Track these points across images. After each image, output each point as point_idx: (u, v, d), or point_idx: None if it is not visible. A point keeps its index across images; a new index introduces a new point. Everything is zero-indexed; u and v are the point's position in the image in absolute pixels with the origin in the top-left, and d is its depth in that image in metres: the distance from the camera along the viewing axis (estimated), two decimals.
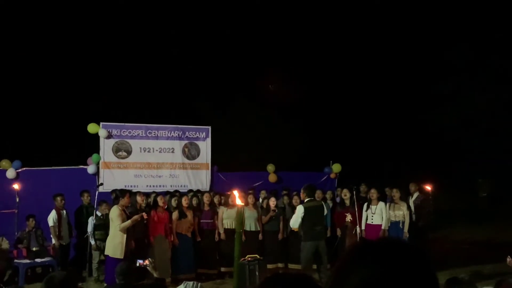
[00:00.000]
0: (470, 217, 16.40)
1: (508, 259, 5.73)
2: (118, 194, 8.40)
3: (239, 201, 6.39)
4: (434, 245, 11.15)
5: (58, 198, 9.65)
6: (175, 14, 21.37)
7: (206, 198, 10.03)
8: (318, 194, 9.92)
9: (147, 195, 9.89)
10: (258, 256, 7.88)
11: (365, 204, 9.74)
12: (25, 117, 17.88)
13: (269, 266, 9.44)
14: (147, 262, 4.74)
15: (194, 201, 9.98)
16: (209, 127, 12.41)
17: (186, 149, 12.09)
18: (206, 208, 9.95)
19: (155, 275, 4.67)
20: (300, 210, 8.30)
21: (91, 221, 9.51)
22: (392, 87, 21.55)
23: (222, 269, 9.67)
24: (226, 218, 9.79)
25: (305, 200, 8.46)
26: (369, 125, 21.61)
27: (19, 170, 10.78)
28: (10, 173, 10.61)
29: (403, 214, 9.47)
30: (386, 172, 16.88)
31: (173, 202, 9.74)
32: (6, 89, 17.88)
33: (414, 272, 0.98)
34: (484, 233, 14.03)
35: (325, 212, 9.03)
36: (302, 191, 8.64)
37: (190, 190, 11.04)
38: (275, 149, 17.90)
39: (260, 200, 10.78)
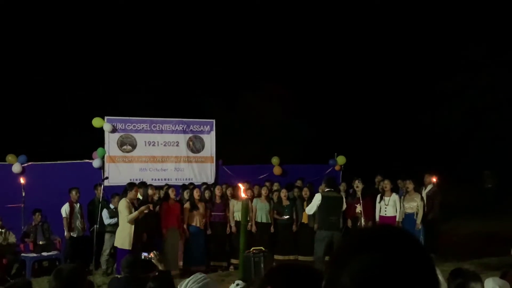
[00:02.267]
0: (476, 209, 16.34)
1: None
2: (127, 187, 8.51)
3: (243, 194, 6.40)
4: (441, 238, 11.14)
5: (73, 192, 9.79)
6: (181, 7, 21.34)
7: (217, 191, 10.07)
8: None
9: (159, 188, 9.96)
10: (263, 248, 7.91)
11: (378, 196, 9.75)
12: (30, 111, 17.94)
13: (280, 258, 9.54)
14: (152, 255, 4.76)
15: (207, 194, 10.03)
16: (213, 121, 12.42)
17: (191, 143, 12.11)
18: (218, 200, 10.00)
19: (160, 267, 4.69)
20: (317, 198, 8.40)
21: (105, 213, 9.58)
22: (397, 80, 21.47)
23: (234, 261, 9.71)
24: (237, 211, 9.82)
25: (325, 190, 8.55)
26: (374, 117, 21.56)
27: (25, 164, 10.83)
28: (16, 168, 10.66)
29: (417, 206, 9.46)
30: (390, 164, 16.80)
31: (185, 195, 9.80)
32: (11, 84, 17.94)
33: (412, 259, 0.98)
34: (489, 225, 13.97)
35: (344, 206, 9.01)
36: (322, 182, 8.79)
37: (204, 183, 11.11)
38: (279, 141, 17.89)
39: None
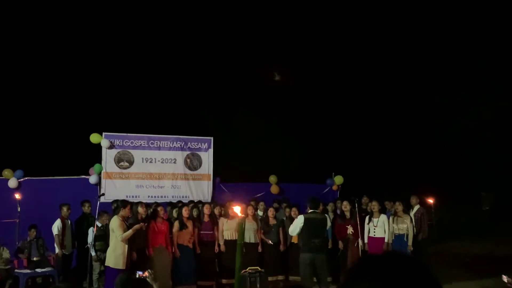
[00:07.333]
0: (472, 230, 16.32)
1: (505, 279, 5.08)
2: (120, 205, 8.37)
3: (239, 213, 6.38)
4: (435, 258, 11.09)
5: (64, 208, 9.65)
6: (178, 22, 21.51)
7: (206, 209, 9.96)
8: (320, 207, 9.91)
9: (148, 205, 9.86)
10: (259, 268, 7.85)
11: (367, 217, 9.71)
12: (27, 126, 17.94)
13: (270, 278, 9.41)
14: (146, 273, 4.73)
15: (195, 212, 9.94)
16: (211, 138, 12.45)
17: (188, 160, 12.11)
18: (206, 219, 9.90)
19: (154, 286, 4.67)
20: (299, 220, 8.28)
21: (91, 232, 9.45)
22: (394, 98, 21.54)
23: (223, 281, 9.63)
24: (226, 230, 9.76)
25: (308, 212, 8.45)
26: (371, 137, 21.59)
27: (21, 179, 10.81)
28: (12, 183, 10.63)
29: (407, 227, 9.42)
30: (387, 185, 16.81)
31: (174, 213, 9.72)
32: (9, 99, 17.97)
33: (420, 286, 0.98)
34: (485, 246, 13.95)
35: (328, 225, 8.96)
36: (307, 203, 8.69)
37: (191, 201, 11.00)
38: (277, 160, 17.90)
39: (260, 212, 10.72)
